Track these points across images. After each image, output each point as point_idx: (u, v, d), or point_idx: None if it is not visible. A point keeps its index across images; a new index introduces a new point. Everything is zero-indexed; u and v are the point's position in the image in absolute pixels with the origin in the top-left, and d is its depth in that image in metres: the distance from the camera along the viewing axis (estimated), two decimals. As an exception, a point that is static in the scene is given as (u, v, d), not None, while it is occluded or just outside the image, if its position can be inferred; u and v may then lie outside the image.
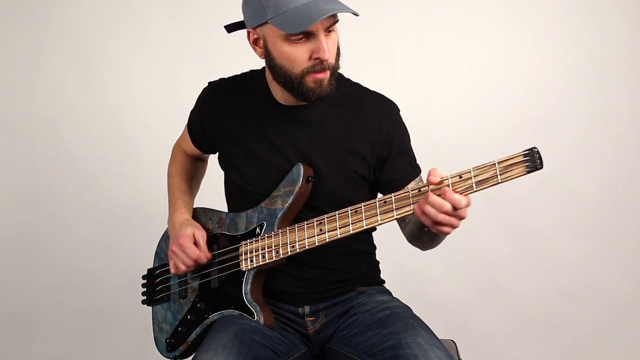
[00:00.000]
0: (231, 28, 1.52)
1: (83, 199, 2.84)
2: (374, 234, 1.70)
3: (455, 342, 1.71)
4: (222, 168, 1.68)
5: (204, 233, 1.60)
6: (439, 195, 1.22)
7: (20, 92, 2.84)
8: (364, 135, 1.54)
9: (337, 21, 1.41)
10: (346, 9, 1.35)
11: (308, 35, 1.38)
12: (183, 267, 1.59)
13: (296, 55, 1.39)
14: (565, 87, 2.76)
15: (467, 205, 1.23)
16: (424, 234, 1.42)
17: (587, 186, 2.76)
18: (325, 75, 1.42)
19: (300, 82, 1.42)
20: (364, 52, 2.70)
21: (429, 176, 1.24)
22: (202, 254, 1.57)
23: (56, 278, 2.81)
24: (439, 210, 1.22)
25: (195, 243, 1.58)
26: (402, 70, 2.80)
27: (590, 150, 2.76)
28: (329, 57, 1.39)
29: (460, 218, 1.25)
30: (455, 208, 1.22)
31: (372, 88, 1.62)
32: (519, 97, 2.77)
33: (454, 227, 1.26)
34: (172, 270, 1.62)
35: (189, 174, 1.80)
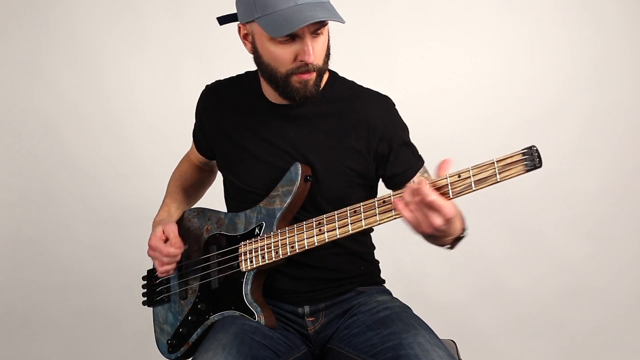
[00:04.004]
0: (223, 20, 1.53)
1: (82, 199, 2.84)
2: (372, 234, 1.70)
3: (455, 342, 1.71)
4: (220, 170, 1.68)
5: (173, 226, 1.59)
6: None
7: (19, 92, 2.84)
8: (358, 132, 1.53)
9: (325, 25, 1.40)
10: (330, 17, 1.34)
11: (294, 37, 1.38)
12: (160, 268, 1.59)
13: (281, 56, 1.40)
14: (564, 87, 2.76)
15: (438, 210, 1.20)
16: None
17: (587, 186, 2.76)
18: (311, 77, 1.42)
19: (285, 81, 1.43)
20: (364, 52, 2.70)
21: (439, 169, 1.21)
22: (171, 248, 1.56)
23: (56, 278, 2.81)
24: (411, 199, 1.21)
25: (167, 240, 1.58)
26: (401, 70, 2.80)
27: (589, 149, 2.76)
28: (314, 60, 1.39)
29: (432, 225, 1.21)
30: (424, 202, 1.19)
31: (371, 88, 1.62)
32: (518, 96, 2.77)
33: (421, 227, 1.23)
34: (158, 273, 1.62)
35: (186, 180, 1.81)
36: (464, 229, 1.40)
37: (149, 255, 1.61)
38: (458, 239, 1.41)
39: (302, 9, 1.33)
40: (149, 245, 1.59)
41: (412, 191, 1.22)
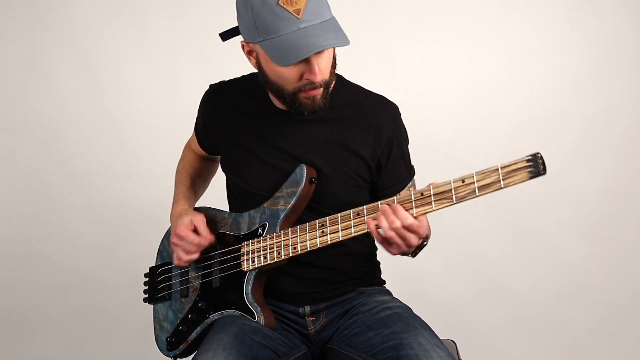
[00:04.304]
0: (226, 36, 1.50)
1: (82, 199, 2.84)
2: (375, 234, 1.70)
3: (455, 342, 1.71)
4: (224, 171, 1.68)
5: (202, 217, 1.59)
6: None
7: (19, 92, 2.84)
8: (365, 139, 1.54)
9: None
10: (334, 43, 1.32)
11: None
12: (185, 257, 1.58)
13: (288, 76, 1.39)
14: (565, 88, 2.77)
15: (416, 231, 1.27)
16: None
17: (587, 186, 2.76)
18: (318, 92, 1.42)
19: (292, 98, 1.43)
20: (365, 52, 2.70)
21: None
22: (203, 239, 1.56)
23: (56, 278, 2.81)
24: (389, 226, 1.27)
25: (196, 230, 1.57)
26: (402, 71, 2.80)
27: (590, 150, 2.76)
28: (321, 78, 1.38)
29: (408, 244, 1.29)
30: (404, 226, 1.26)
31: (372, 88, 1.62)
32: (519, 97, 2.78)
33: (400, 249, 1.31)
34: (175, 262, 1.61)
35: (196, 170, 1.81)
36: (426, 238, 1.42)
37: (173, 243, 1.60)
38: (420, 247, 1.43)
39: (306, 34, 1.31)
40: (175, 233, 1.57)
41: (388, 216, 1.28)
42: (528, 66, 2.78)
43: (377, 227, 1.31)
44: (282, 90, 1.43)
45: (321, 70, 1.37)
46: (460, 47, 2.79)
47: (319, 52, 1.36)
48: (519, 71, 2.78)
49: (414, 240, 1.29)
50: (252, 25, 1.34)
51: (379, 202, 1.34)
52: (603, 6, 2.74)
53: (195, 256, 1.58)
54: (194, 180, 1.79)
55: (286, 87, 1.42)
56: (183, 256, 1.58)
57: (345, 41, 1.33)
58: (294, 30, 1.31)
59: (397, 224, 1.27)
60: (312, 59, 1.35)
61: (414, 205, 1.28)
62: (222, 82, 1.68)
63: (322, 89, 1.42)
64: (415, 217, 1.28)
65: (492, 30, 2.79)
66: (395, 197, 1.32)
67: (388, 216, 1.28)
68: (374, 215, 1.31)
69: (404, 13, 2.79)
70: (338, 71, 1.59)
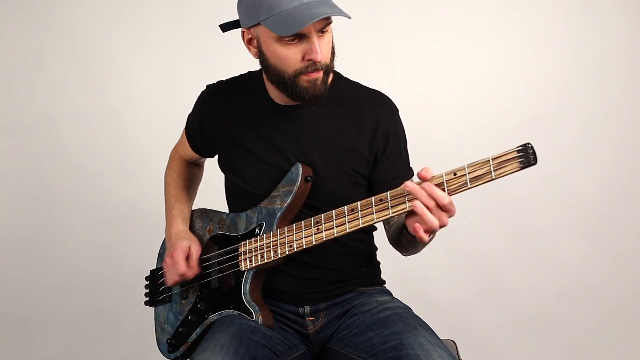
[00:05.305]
0: (226, 27, 1.53)
1: (83, 199, 2.84)
2: (374, 234, 1.70)
3: (455, 342, 1.71)
4: (222, 170, 1.68)
5: (199, 248, 1.61)
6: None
7: (20, 91, 2.84)
8: (362, 133, 1.54)
9: (330, 22, 1.40)
10: (337, 13, 1.35)
11: (300, 37, 1.38)
12: (170, 282, 1.61)
13: (289, 56, 1.40)
14: (564, 87, 2.77)
15: (449, 209, 1.23)
16: (403, 237, 1.43)
17: (586, 186, 2.76)
18: (319, 75, 1.42)
19: (293, 82, 1.43)
20: (364, 52, 2.70)
21: (420, 172, 1.25)
22: (189, 270, 1.57)
23: (56, 278, 2.81)
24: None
25: (188, 256, 1.59)
26: (402, 71, 2.80)
27: (589, 150, 2.76)
28: (322, 58, 1.39)
29: (441, 224, 1.24)
30: (438, 205, 1.22)
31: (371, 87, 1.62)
32: (518, 96, 2.78)
33: (432, 229, 1.25)
34: (167, 283, 1.63)
35: (185, 180, 1.81)
36: None
37: (165, 263, 1.61)
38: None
39: (308, 7, 1.33)
40: (171, 255, 1.59)
41: (427, 194, 1.23)
42: (527, 66, 2.78)
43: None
44: (282, 74, 1.43)
45: (322, 51, 1.39)
46: (460, 47, 2.80)
47: (321, 35, 1.38)
48: (518, 71, 2.78)
49: (445, 220, 1.24)
50: (255, 5, 1.37)
51: (372, 197, 1.34)
52: (601, 6, 2.74)
53: (178, 282, 1.61)
54: (185, 190, 1.78)
55: (287, 70, 1.42)
56: (168, 280, 1.61)
57: (347, 14, 1.35)
58: (296, 4, 1.34)
59: (433, 202, 1.23)
60: (313, 38, 1.37)
61: (407, 199, 1.28)
62: (219, 82, 1.68)
63: (322, 72, 1.42)
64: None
65: (492, 30, 2.79)
66: (388, 192, 1.31)
67: (425, 193, 1.23)
68: (410, 197, 1.27)
69: (404, 13, 2.79)
70: (337, 70, 1.60)
